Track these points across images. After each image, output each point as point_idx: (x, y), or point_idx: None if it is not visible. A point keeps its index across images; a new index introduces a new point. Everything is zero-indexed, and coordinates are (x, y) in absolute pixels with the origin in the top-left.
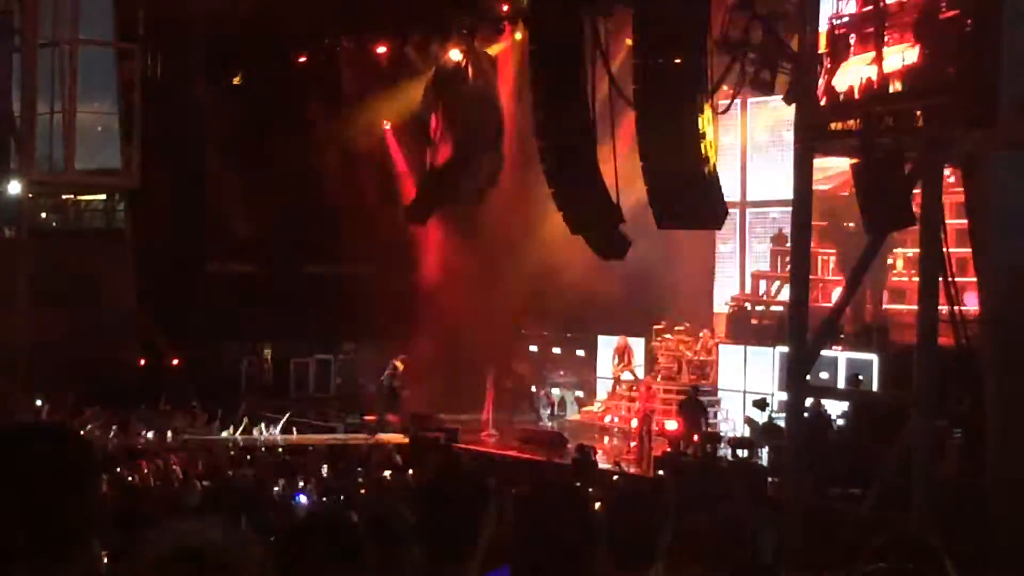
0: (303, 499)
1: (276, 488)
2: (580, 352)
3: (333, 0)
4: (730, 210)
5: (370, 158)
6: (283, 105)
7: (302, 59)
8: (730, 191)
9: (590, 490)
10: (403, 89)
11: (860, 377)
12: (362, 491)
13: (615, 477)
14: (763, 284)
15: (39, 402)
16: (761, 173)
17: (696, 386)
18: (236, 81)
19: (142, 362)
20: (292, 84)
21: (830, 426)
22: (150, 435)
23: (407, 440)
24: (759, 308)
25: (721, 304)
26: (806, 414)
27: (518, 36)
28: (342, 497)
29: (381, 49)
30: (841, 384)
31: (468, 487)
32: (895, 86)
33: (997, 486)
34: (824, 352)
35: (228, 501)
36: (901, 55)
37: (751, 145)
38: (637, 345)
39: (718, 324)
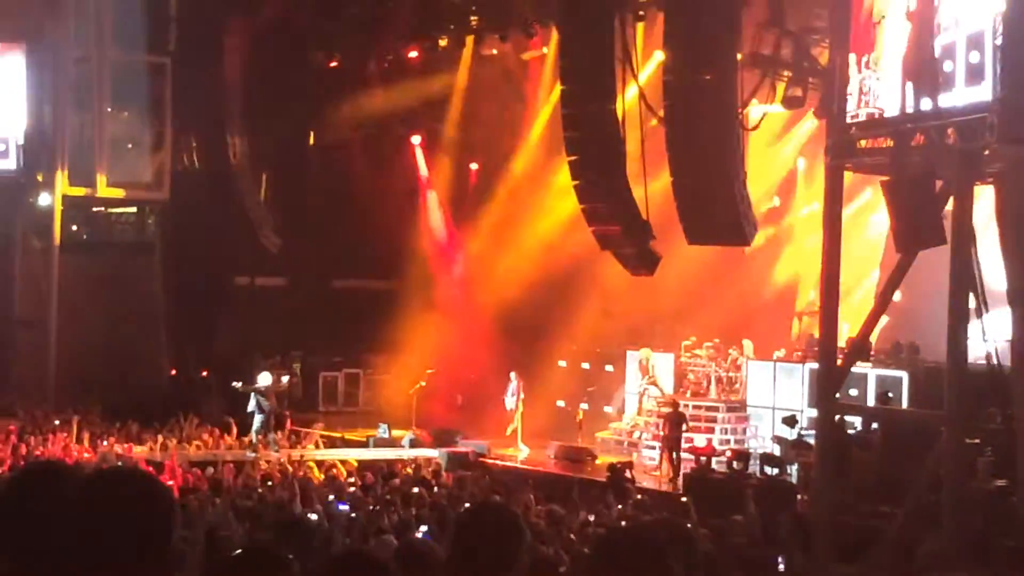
0: (345, 507)
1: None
2: (609, 367)
3: (363, 5)
4: None
5: (399, 173)
6: (313, 119)
7: (333, 64)
8: None
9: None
10: (434, 98)
11: (890, 394)
12: (392, 506)
13: (639, 496)
14: None
15: (57, 422)
16: None
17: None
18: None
19: (173, 372)
20: (322, 98)
21: (865, 444)
22: (177, 449)
23: (436, 455)
24: None
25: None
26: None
27: (546, 50)
28: (375, 507)
29: (413, 53)
30: (871, 401)
31: (502, 523)
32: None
33: None
34: (853, 369)
35: (261, 521)
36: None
37: None
38: (665, 360)
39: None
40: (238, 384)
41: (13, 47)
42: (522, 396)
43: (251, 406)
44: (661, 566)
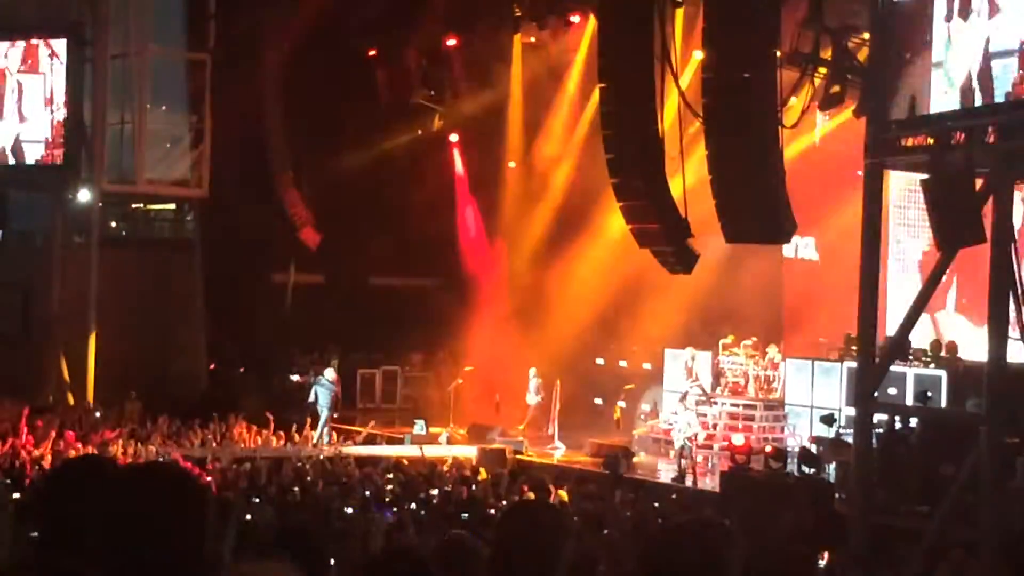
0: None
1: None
2: (646, 365)
3: None
4: None
5: (437, 170)
6: (351, 116)
7: (372, 53)
8: None
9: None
10: (473, 96)
11: (929, 393)
12: (434, 501)
13: (673, 496)
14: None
15: (98, 413)
16: None
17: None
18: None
19: (212, 367)
20: (360, 93)
21: (903, 443)
22: (216, 445)
23: (474, 452)
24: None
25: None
26: (880, 429)
27: (580, 55)
28: (412, 506)
29: (451, 42)
30: (909, 400)
31: (544, 521)
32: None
33: None
34: (892, 368)
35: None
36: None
37: None
38: (703, 359)
39: None
40: (295, 376)
41: (53, 43)
42: (543, 394)
43: (311, 397)
44: (719, 567)
